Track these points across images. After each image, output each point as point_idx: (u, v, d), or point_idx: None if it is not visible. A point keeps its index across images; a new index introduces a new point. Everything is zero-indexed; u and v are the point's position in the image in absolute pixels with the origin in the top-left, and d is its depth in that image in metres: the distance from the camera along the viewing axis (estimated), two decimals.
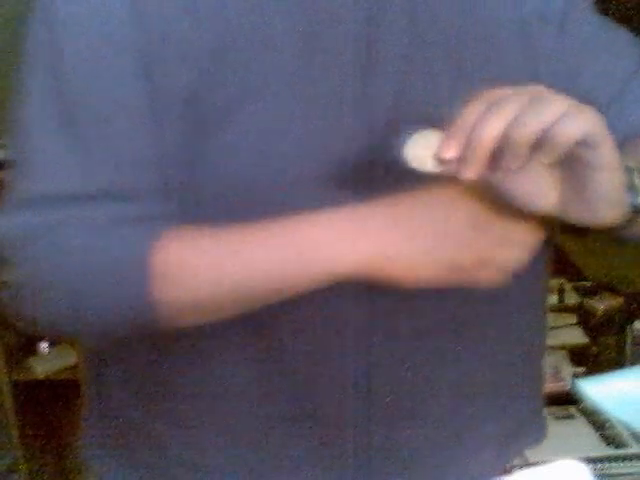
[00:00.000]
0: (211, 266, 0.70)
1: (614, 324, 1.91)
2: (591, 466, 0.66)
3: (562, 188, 0.64)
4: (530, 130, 0.59)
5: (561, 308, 1.96)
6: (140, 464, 0.87)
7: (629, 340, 1.82)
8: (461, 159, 0.61)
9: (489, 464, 0.87)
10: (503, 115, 0.60)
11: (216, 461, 0.84)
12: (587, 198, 0.63)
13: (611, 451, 1.48)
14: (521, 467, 0.67)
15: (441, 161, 0.62)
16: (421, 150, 0.65)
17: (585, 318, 1.95)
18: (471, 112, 0.62)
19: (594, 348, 1.87)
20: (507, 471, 0.68)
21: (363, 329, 0.78)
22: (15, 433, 2.29)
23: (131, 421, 0.86)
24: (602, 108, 0.82)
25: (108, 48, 0.72)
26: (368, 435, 0.81)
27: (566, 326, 1.92)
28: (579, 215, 0.65)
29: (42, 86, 0.73)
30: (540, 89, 0.63)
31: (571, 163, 0.62)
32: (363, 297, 0.76)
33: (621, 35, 0.87)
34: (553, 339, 1.84)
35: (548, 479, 0.66)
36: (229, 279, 0.70)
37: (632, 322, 1.84)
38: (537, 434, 0.96)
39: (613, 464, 1.46)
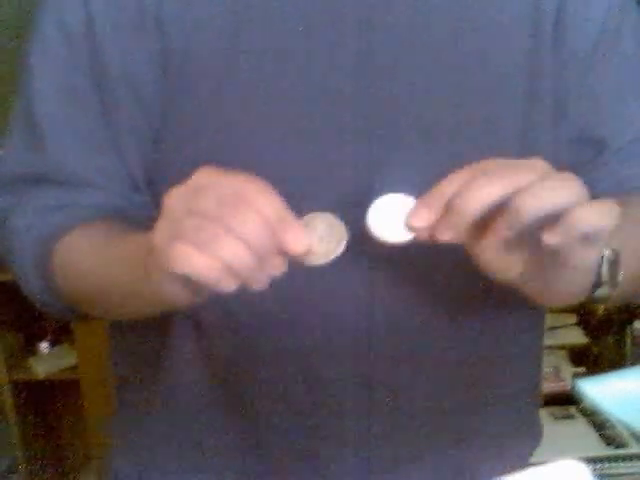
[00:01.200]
0: (80, 267, 0.74)
1: (614, 324, 1.91)
2: (591, 466, 0.66)
3: (528, 267, 0.61)
4: (540, 206, 0.55)
5: (561, 308, 1.96)
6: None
7: (629, 340, 1.82)
8: (437, 225, 0.58)
9: (488, 464, 0.87)
10: (501, 184, 0.56)
11: (214, 459, 0.84)
12: (552, 287, 0.61)
13: (611, 451, 1.49)
14: (521, 467, 0.67)
15: (411, 228, 0.59)
16: (385, 217, 0.62)
17: (585, 318, 1.95)
18: (453, 180, 0.58)
19: (594, 348, 1.87)
20: (507, 471, 0.68)
21: (364, 330, 0.78)
22: (15, 433, 2.29)
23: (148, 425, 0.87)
24: (611, 151, 0.83)
25: (62, 47, 0.76)
26: (368, 435, 0.81)
27: (566, 326, 1.92)
28: (537, 295, 0.63)
29: (20, 85, 0.80)
30: (539, 166, 0.59)
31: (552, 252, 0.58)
32: (364, 299, 0.76)
33: None
34: (553, 339, 1.84)
35: (548, 479, 0.66)
36: (91, 284, 0.74)
37: (632, 322, 1.84)
38: (535, 436, 0.96)
39: (613, 464, 1.46)
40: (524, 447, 0.93)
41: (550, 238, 0.56)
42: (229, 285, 0.56)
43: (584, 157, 0.83)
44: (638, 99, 0.84)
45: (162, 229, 0.57)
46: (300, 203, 0.72)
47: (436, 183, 0.60)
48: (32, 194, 0.78)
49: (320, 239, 0.61)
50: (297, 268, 0.73)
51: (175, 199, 0.57)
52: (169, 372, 0.83)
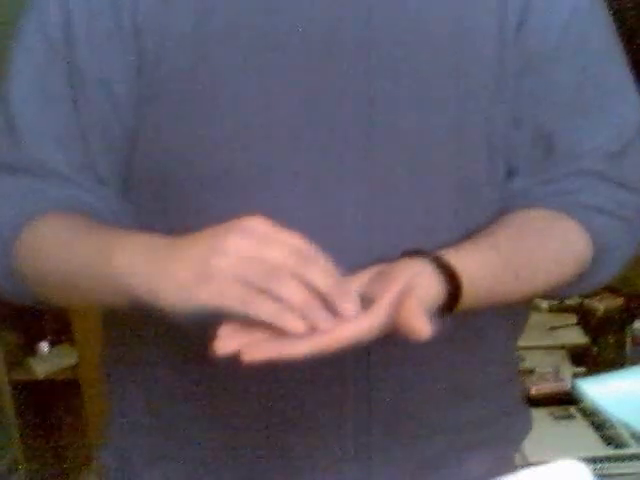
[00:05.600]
0: (51, 255, 0.75)
1: (614, 324, 1.91)
2: (591, 466, 0.66)
3: None
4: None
5: (561, 308, 1.96)
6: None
7: (629, 340, 1.82)
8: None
9: (488, 463, 0.87)
10: None
11: (216, 458, 0.84)
12: None
13: (611, 451, 1.48)
14: (521, 467, 0.67)
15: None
16: None
17: (585, 318, 1.95)
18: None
19: (594, 348, 1.87)
20: (507, 471, 0.68)
21: None
22: (15, 433, 2.29)
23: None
24: (561, 155, 0.82)
25: (41, 47, 0.79)
26: (368, 434, 0.81)
27: (566, 326, 1.92)
28: None
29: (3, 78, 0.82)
30: None
31: None
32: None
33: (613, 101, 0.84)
34: (553, 339, 1.84)
35: (548, 479, 0.66)
36: (58, 271, 0.75)
37: (632, 322, 1.83)
38: (525, 427, 0.96)
39: (613, 464, 1.46)
40: (515, 434, 0.94)
41: None
42: (296, 326, 0.60)
43: (534, 158, 0.83)
44: (598, 109, 0.83)
45: (221, 265, 0.60)
46: (296, 204, 0.73)
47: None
48: (2, 181, 0.80)
49: None
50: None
51: (238, 243, 0.60)
52: (146, 363, 0.84)
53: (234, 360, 0.79)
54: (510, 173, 0.83)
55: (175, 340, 0.81)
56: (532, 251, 0.78)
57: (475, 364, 0.85)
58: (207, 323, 0.63)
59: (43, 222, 0.77)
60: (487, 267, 0.73)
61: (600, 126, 0.83)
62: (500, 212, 0.82)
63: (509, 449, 0.94)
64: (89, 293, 0.74)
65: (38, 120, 0.80)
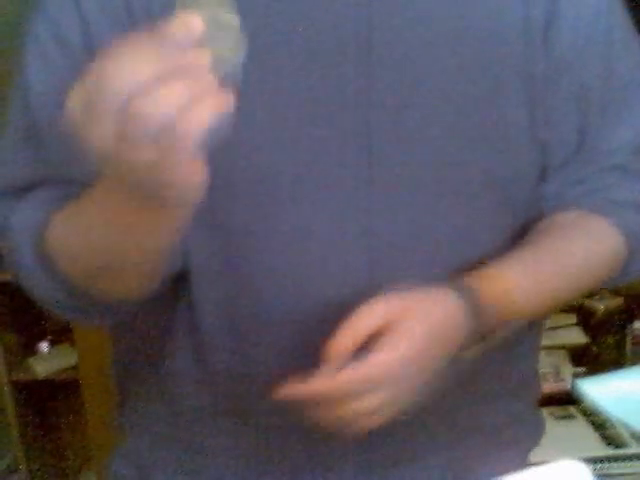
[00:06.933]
0: (71, 235, 0.73)
1: (614, 324, 1.91)
2: (591, 466, 0.66)
3: None
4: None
5: (561, 308, 1.96)
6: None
7: (629, 340, 1.82)
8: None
9: (489, 464, 0.87)
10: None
11: (213, 462, 0.84)
12: None
13: (611, 451, 1.49)
14: (521, 467, 0.67)
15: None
16: None
17: (585, 318, 1.95)
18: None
19: (594, 348, 1.87)
20: (508, 467, 0.68)
21: None
22: (15, 433, 2.29)
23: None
24: (591, 150, 0.83)
25: (58, 54, 0.76)
26: (368, 435, 0.81)
27: (566, 326, 1.92)
28: None
29: (15, 89, 0.79)
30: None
31: None
32: (361, 297, 0.76)
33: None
34: (553, 339, 1.84)
35: (548, 479, 0.66)
36: (83, 247, 0.72)
37: (632, 322, 1.84)
38: (535, 434, 0.96)
39: (613, 464, 1.46)
40: (524, 442, 0.93)
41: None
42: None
43: (565, 159, 0.83)
44: (622, 105, 0.84)
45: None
46: (297, 205, 0.73)
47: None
48: (32, 194, 0.78)
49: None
50: (298, 275, 0.74)
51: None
52: (168, 376, 0.83)
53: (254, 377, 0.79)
54: (540, 176, 0.84)
55: (196, 356, 0.81)
56: (571, 255, 0.81)
57: (481, 362, 0.85)
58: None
59: (58, 216, 0.74)
60: (527, 281, 0.76)
61: (625, 122, 0.84)
62: (533, 218, 0.83)
63: (521, 454, 0.93)
64: (129, 245, 0.68)
65: (56, 137, 0.75)
